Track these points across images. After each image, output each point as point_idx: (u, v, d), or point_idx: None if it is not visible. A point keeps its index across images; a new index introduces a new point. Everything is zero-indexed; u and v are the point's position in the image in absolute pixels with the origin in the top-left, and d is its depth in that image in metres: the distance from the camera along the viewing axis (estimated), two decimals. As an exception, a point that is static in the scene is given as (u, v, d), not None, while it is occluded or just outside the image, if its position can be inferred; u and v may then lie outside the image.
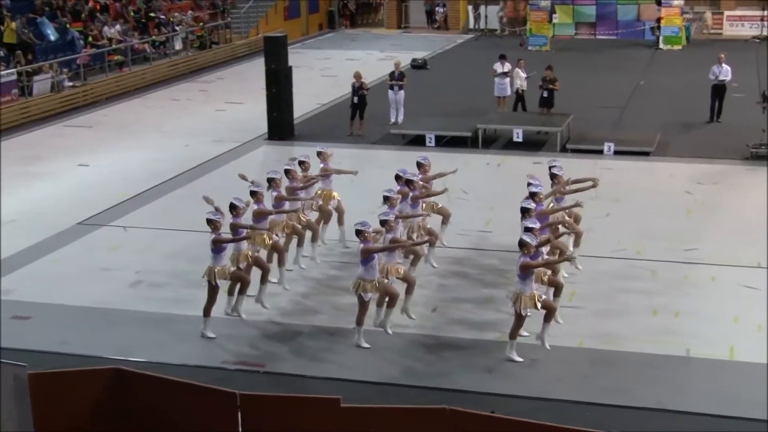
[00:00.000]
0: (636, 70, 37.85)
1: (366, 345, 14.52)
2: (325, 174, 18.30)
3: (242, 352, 14.44)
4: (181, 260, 18.01)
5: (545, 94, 27.77)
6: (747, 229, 19.29)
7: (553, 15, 46.14)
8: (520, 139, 25.84)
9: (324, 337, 14.93)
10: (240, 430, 10.74)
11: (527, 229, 14.17)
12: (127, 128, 29.22)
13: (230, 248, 15.26)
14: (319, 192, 18.20)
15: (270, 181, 16.77)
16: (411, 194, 16.81)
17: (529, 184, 16.31)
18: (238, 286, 15.35)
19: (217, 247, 14.71)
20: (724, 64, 28.07)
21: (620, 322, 15.36)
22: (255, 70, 34.39)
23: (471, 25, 50.08)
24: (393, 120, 28.39)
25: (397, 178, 17.19)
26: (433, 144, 25.96)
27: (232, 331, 15.10)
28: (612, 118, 29.26)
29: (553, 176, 17.05)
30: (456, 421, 10.30)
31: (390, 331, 14.78)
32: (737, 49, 41.37)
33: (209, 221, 14.82)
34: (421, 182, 17.19)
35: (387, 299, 14.68)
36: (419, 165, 17.81)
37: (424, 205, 17.32)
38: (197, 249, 18.59)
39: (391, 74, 28.74)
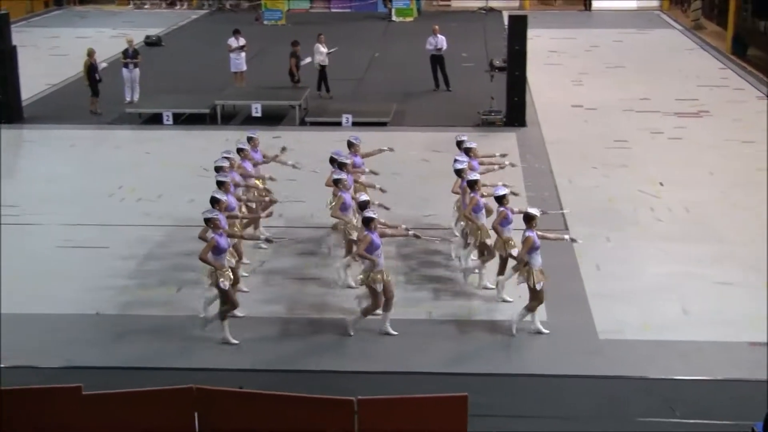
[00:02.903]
0: (370, 42, 38.48)
1: (351, 333, 14.06)
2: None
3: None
4: None
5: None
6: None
7: (288, -11, 46.26)
8: (259, 114, 25.78)
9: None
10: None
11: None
12: None
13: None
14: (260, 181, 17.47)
15: (219, 169, 16.04)
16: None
17: (455, 160, 16.32)
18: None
19: (218, 248, 13.63)
20: (439, 35, 29.04)
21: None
22: (-23, 51, 32.56)
23: None
24: (128, 99, 27.62)
25: (331, 161, 16.64)
26: (170, 122, 25.47)
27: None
28: (349, 90, 29.64)
29: (467, 150, 16.99)
30: (204, 398, 10.18)
31: (394, 332, 14.10)
32: (465, 20, 42.93)
33: (208, 220, 13.78)
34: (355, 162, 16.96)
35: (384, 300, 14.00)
36: (350, 144, 17.46)
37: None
38: None
39: (125, 52, 27.94)
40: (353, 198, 15.47)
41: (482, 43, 37.07)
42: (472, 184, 15.46)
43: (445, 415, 10.10)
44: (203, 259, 13.60)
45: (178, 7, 48.95)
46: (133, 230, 18.17)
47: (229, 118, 26.31)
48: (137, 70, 27.68)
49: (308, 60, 28.26)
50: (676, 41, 38.55)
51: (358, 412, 9.95)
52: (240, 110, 26.70)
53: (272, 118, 25.89)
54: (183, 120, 25.76)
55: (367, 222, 13.80)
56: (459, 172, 16.11)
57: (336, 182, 15.75)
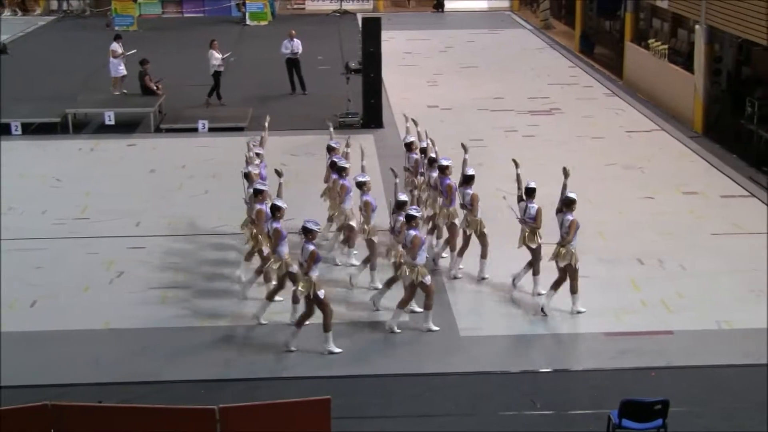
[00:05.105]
0: (225, 46, 37.84)
1: (435, 328, 14.16)
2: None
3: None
4: None
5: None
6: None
7: (138, -6, 45.42)
8: (112, 122, 25.22)
9: None
10: None
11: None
12: None
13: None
14: None
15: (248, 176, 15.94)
16: (342, 182, 16.17)
17: (443, 158, 16.40)
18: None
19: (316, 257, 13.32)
20: (295, 39, 29.08)
21: (219, 298, 15.48)
22: None
23: (54, 6, 48.05)
24: (-28, 109, 26.73)
25: (332, 165, 16.57)
26: (19, 132, 24.69)
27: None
28: (205, 95, 29.26)
29: (330, 149, 17.30)
30: (61, 415, 9.90)
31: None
32: (320, 23, 42.98)
33: (309, 231, 13.32)
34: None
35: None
36: (330, 148, 17.27)
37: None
38: None
39: (-35, 61, 27.05)
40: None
41: (337, 46, 37.16)
42: (469, 179, 15.79)
43: (308, 418, 10.08)
44: (308, 271, 13.29)
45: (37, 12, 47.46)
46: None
47: (81, 126, 25.67)
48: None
49: (229, 54, 28.32)
50: (527, 41, 39.40)
51: (220, 420, 9.83)
52: (92, 118, 26.08)
53: (126, 126, 25.38)
54: (32, 130, 25.01)
55: (411, 219, 13.90)
56: (444, 169, 16.14)
57: (360, 185, 15.58)
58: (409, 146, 17.83)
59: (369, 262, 15.71)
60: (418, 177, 17.24)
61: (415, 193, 16.56)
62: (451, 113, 27.05)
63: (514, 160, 16.08)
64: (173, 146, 23.80)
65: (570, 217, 14.39)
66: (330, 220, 16.92)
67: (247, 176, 16.11)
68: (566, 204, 14.48)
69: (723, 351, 13.69)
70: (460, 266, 16.16)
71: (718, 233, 18.08)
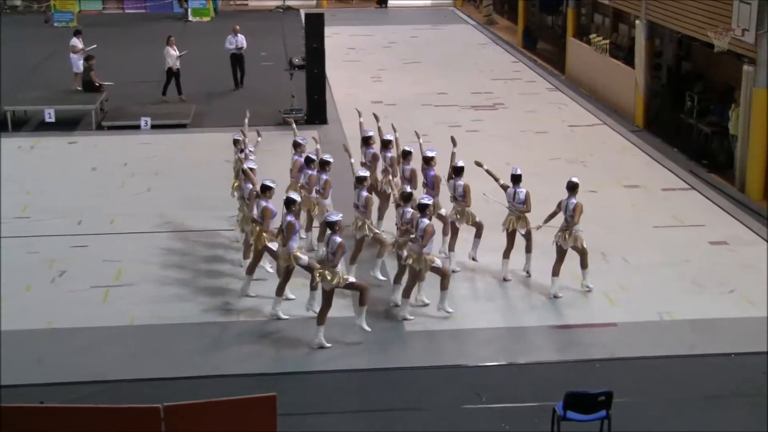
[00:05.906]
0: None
1: (450, 310, 14.44)
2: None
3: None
4: None
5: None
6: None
7: (78, -11, 44.88)
8: (53, 120, 24.90)
9: None
10: None
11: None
12: None
13: None
14: None
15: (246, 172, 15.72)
16: (325, 177, 16.10)
17: (428, 150, 16.54)
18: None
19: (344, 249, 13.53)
20: (239, 35, 29.00)
21: (164, 296, 15.37)
22: None
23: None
24: None
25: (309, 161, 16.43)
26: (-43, 130, 24.34)
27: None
28: (147, 92, 28.96)
29: (297, 145, 17.10)
30: (1, 416, 9.76)
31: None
32: (263, 19, 42.80)
33: (334, 223, 13.45)
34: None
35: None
36: (297, 145, 17.07)
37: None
38: None
39: None
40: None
41: (281, 42, 37.03)
42: (460, 171, 15.78)
43: (254, 416, 10.02)
44: (337, 264, 13.37)
45: None
46: None
47: (21, 124, 25.30)
48: None
49: (185, 52, 28.22)
50: (470, 36, 39.55)
51: (165, 419, 9.75)
52: (32, 116, 25.73)
53: (67, 123, 25.05)
54: (-30, 128, 24.64)
55: (424, 209, 13.97)
56: (429, 160, 16.21)
57: (361, 180, 15.46)
58: (366, 140, 17.78)
59: (380, 256, 15.76)
60: (385, 172, 17.23)
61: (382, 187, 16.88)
62: (396, 109, 27.00)
63: (476, 162, 16.33)
64: (115, 144, 23.57)
65: (574, 201, 14.75)
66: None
67: (246, 173, 15.91)
68: (569, 188, 14.86)
69: (665, 342, 13.87)
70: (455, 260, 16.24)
71: (659, 226, 18.30)
